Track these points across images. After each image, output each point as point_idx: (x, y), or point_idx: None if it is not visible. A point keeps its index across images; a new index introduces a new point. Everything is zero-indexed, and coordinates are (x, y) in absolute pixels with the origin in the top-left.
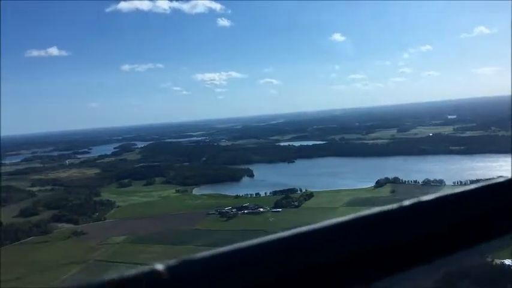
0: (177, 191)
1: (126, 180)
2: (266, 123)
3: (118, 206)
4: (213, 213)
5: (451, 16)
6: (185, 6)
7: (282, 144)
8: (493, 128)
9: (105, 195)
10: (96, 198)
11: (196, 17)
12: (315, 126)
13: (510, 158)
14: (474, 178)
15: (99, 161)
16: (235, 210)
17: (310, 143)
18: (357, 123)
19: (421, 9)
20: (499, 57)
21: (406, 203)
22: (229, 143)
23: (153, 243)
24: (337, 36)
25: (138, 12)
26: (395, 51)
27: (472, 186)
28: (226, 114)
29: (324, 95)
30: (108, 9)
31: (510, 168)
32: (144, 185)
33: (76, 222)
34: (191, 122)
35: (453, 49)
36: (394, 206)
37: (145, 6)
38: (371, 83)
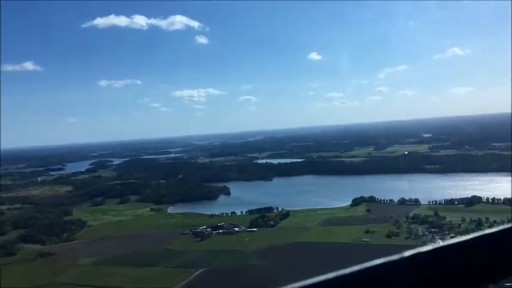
0: (152, 210)
1: (99, 199)
2: (245, 140)
3: (89, 226)
4: (187, 233)
5: (426, 37)
6: (162, 23)
7: (260, 161)
8: (466, 146)
9: (77, 214)
10: (67, 218)
11: (174, 34)
12: (294, 144)
13: (482, 177)
14: (448, 197)
15: (72, 178)
16: (209, 229)
17: (288, 160)
18: (335, 141)
19: (396, 31)
20: (472, 78)
21: (407, 254)
22: (207, 160)
23: (122, 265)
24: (314, 55)
25: (114, 28)
26: (372, 71)
27: (470, 236)
28: (205, 131)
29: (303, 113)
30: (84, 25)
31: (481, 187)
32: (118, 203)
33: (44, 243)
34: (170, 138)
35: (428, 69)
36: (395, 256)
37: (122, 22)
38: (349, 101)
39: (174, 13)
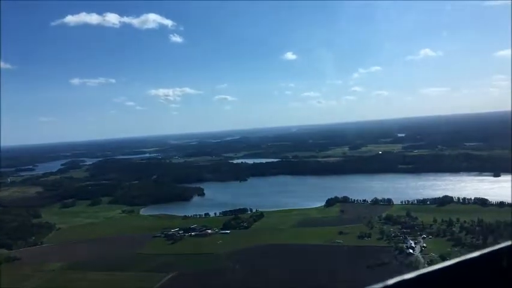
0: (124, 212)
1: (70, 200)
2: (221, 139)
3: (58, 229)
4: (159, 236)
5: (398, 39)
6: (135, 22)
7: (235, 161)
8: (439, 146)
9: (46, 217)
10: (35, 220)
11: (147, 33)
12: (270, 143)
13: (454, 177)
14: (421, 197)
15: (43, 178)
16: (182, 232)
17: (264, 160)
18: (311, 141)
19: (369, 32)
20: (445, 79)
21: (390, 282)
22: (181, 160)
23: (92, 269)
24: (289, 55)
25: (86, 26)
26: (346, 71)
27: (454, 261)
28: (181, 130)
29: (279, 112)
30: (54, 23)
31: (453, 187)
32: (89, 205)
33: (10, 247)
34: (145, 137)
35: (401, 70)
36: (379, 285)
37: (93, 20)
38: (325, 100)
39: (147, 11)
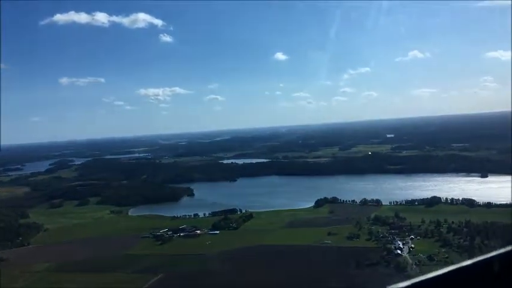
0: (112, 212)
1: (58, 200)
2: (211, 139)
3: (45, 229)
4: (148, 236)
5: (387, 40)
6: (125, 21)
7: (225, 162)
8: (427, 147)
9: (33, 217)
10: (22, 221)
11: (137, 32)
12: (260, 144)
13: (442, 178)
14: (409, 198)
15: (31, 178)
16: (171, 233)
17: (254, 161)
18: (301, 141)
19: (357, 33)
20: (433, 80)
21: None
22: (171, 160)
23: (79, 271)
24: (280, 56)
25: (75, 25)
26: (336, 72)
27: (446, 269)
28: (171, 130)
29: (270, 112)
30: (42, 22)
31: (441, 187)
32: (77, 205)
33: None
34: (135, 137)
35: (390, 71)
36: None
37: (82, 19)
38: (315, 101)
39: (137, 11)
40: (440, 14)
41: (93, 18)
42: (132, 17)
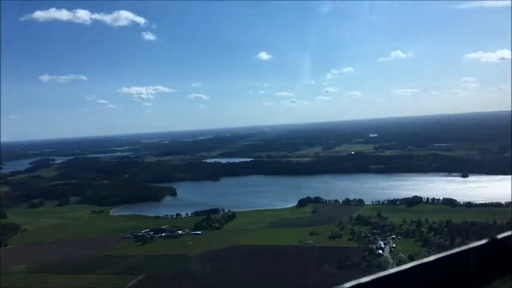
0: (93, 212)
1: (37, 200)
2: (195, 138)
3: (24, 230)
4: (128, 237)
5: (370, 40)
6: (107, 19)
7: (208, 161)
8: (410, 147)
9: (11, 218)
10: (0, 221)
11: (119, 30)
12: (243, 143)
13: (423, 178)
14: (391, 198)
15: (10, 177)
16: (152, 233)
17: (237, 160)
18: (285, 140)
19: (340, 33)
20: (415, 80)
21: (347, 285)
22: (154, 160)
23: (57, 272)
24: (263, 55)
25: (56, 22)
26: (319, 72)
27: (411, 264)
28: (154, 129)
29: (253, 111)
30: (22, 19)
31: (422, 187)
32: (57, 205)
33: None
34: (117, 136)
35: (373, 71)
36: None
37: (64, 16)
38: (298, 100)
39: (119, 9)
40: (423, 15)
41: (74, 16)
42: (115, 14)
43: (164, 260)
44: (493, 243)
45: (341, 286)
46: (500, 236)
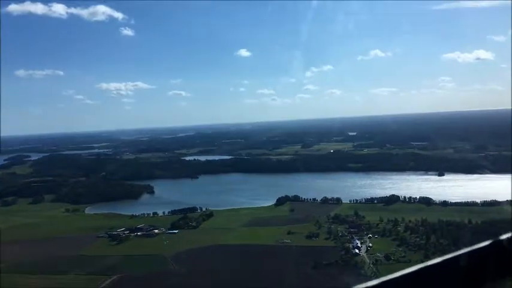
0: (67, 210)
1: (10, 198)
2: (174, 135)
3: None
4: (103, 236)
5: (349, 39)
6: (84, 13)
7: (187, 158)
8: (388, 145)
9: None
10: None
11: (96, 25)
12: (224, 140)
13: (401, 176)
14: (369, 196)
15: None
16: (127, 232)
17: (217, 157)
18: (265, 138)
19: (319, 31)
20: (393, 79)
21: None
22: (132, 157)
23: (29, 273)
24: (243, 52)
25: (31, 16)
26: (299, 70)
27: (416, 268)
28: (133, 125)
29: (234, 109)
30: None
31: (399, 186)
32: (31, 203)
33: None
34: (95, 132)
35: (352, 70)
36: None
37: (39, 10)
38: (279, 98)
39: (96, 3)
40: (401, 15)
41: (50, 9)
42: (91, 9)
43: (139, 260)
44: (496, 244)
45: None
46: (503, 237)
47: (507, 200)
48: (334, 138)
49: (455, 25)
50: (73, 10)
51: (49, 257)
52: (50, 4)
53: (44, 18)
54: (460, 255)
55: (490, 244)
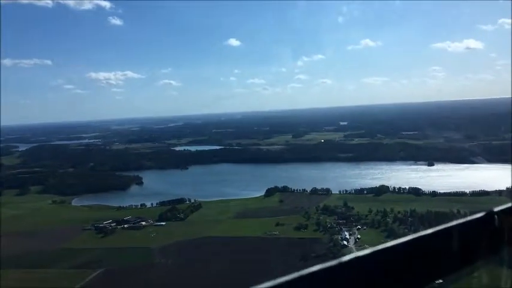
0: (54, 202)
1: None
2: (165, 125)
3: None
4: (89, 229)
5: (339, 28)
6: (70, 2)
7: (177, 148)
8: (378, 135)
9: None
10: None
11: (83, 14)
12: (214, 130)
13: (391, 166)
14: (358, 187)
15: None
16: (114, 224)
17: (207, 147)
18: (256, 128)
19: (310, 20)
20: (384, 69)
21: (345, 258)
22: (122, 147)
23: (11, 267)
24: (233, 41)
25: (15, 5)
26: (290, 59)
27: (407, 238)
28: (124, 115)
29: (225, 98)
30: None
31: (389, 175)
32: (17, 194)
33: None
34: (86, 122)
35: (343, 59)
36: (334, 262)
37: None
38: (270, 87)
39: None
40: (391, 4)
41: None
42: None
43: (125, 252)
44: (490, 215)
45: (340, 259)
46: (497, 209)
47: (496, 190)
48: (326, 127)
49: (445, 14)
50: None
51: (32, 251)
52: None
53: (29, 7)
54: (454, 225)
55: (484, 215)
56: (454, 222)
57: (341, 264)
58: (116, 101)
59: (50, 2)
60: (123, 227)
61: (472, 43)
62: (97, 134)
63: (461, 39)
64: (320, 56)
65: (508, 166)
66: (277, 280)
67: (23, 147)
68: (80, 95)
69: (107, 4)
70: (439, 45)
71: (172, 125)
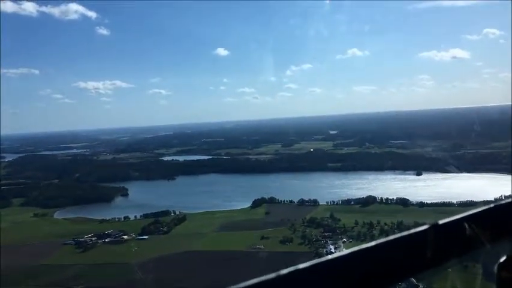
0: (36, 215)
1: None
2: (154, 134)
3: None
4: (69, 243)
5: (326, 38)
6: (55, 11)
7: (165, 158)
8: (367, 144)
9: None
10: None
11: (70, 24)
12: (203, 140)
13: (378, 176)
14: (345, 198)
15: None
16: (95, 238)
17: (195, 157)
18: (245, 137)
19: (297, 30)
20: (372, 78)
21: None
22: (109, 157)
23: None
24: (221, 51)
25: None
26: (279, 68)
27: (388, 238)
28: (113, 124)
29: (215, 107)
30: None
31: (376, 185)
32: None
33: None
34: (75, 131)
35: (331, 68)
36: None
37: (8, 8)
38: (260, 96)
39: (67, 1)
40: (378, 14)
41: (20, 7)
42: (63, 7)
43: (105, 268)
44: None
45: (296, 267)
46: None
47: (483, 201)
48: (315, 136)
49: (431, 24)
50: (44, 8)
51: (9, 267)
52: (20, 2)
53: (14, 17)
54: (460, 218)
55: (488, 209)
56: (459, 216)
57: (312, 266)
58: (105, 111)
59: (34, 11)
60: (104, 241)
61: (459, 52)
62: (86, 143)
63: (447, 48)
64: (308, 65)
65: (494, 175)
66: (261, 278)
67: (10, 158)
68: (68, 104)
69: (93, 14)
70: (426, 54)
71: (162, 134)
